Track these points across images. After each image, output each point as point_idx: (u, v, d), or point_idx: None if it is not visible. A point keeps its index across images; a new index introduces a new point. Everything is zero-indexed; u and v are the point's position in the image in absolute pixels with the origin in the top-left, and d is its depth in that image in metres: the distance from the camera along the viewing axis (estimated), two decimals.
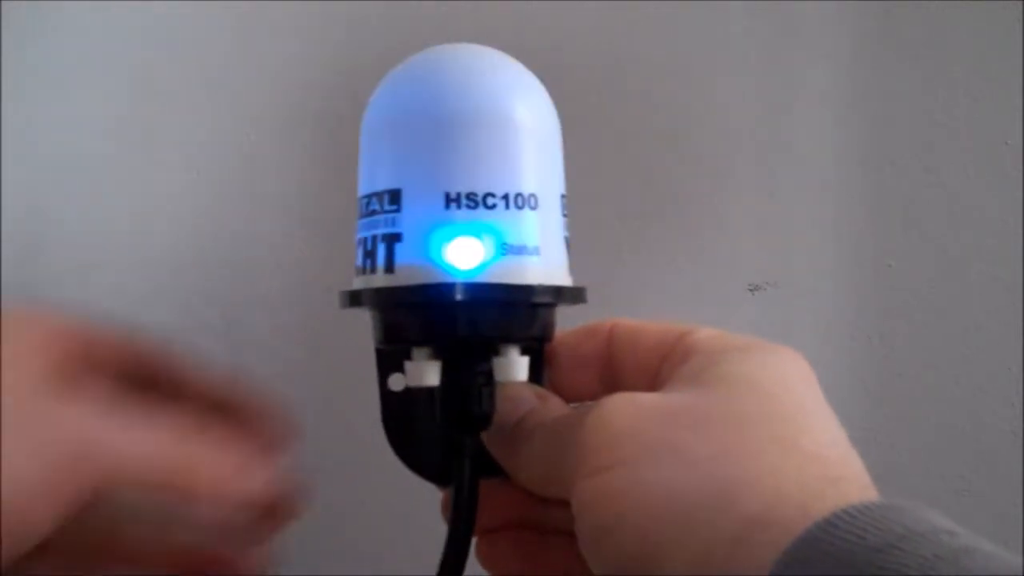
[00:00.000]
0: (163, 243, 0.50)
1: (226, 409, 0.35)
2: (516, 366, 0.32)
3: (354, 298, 0.33)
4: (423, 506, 0.37)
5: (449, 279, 0.30)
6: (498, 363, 0.32)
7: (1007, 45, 0.51)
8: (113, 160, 0.50)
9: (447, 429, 0.34)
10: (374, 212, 0.32)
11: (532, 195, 0.31)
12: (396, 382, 0.35)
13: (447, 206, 0.30)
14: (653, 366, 0.31)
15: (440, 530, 0.34)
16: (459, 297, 0.30)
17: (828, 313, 0.51)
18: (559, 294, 0.32)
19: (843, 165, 0.52)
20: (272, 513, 0.34)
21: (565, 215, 0.33)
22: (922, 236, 0.52)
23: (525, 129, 0.32)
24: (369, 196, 0.32)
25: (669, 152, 0.52)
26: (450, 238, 0.30)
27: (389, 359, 0.35)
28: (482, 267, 0.30)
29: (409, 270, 0.31)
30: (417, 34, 0.50)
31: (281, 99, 0.51)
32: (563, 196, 0.33)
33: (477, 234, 0.30)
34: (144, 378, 0.34)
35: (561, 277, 0.32)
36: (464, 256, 0.30)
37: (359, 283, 0.33)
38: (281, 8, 0.50)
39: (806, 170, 0.52)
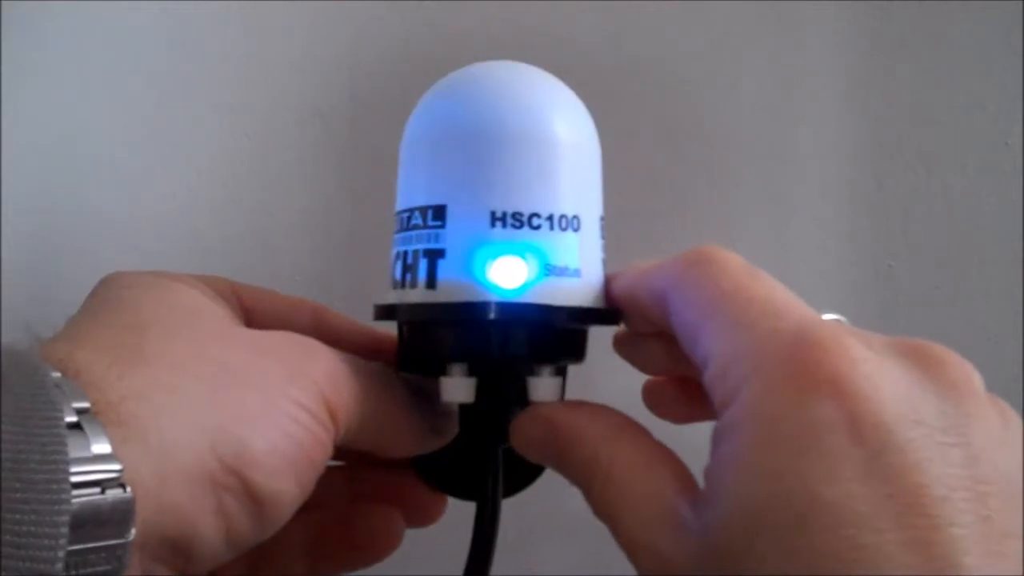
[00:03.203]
0: (165, 245, 0.49)
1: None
2: (551, 386, 0.32)
3: (391, 312, 0.32)
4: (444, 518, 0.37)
5: (492, 298, 0.30)
6: (533, 383, 0.32)
7: (1007, 45, 0.52)
8: (114, 160, 0.49)
9: (476, 445, 0.34)
10: (416, 226, 0.31)
11: (575, 217, 0.31)
12: None
13: (492, 224, 0.30)
14: None
15: (461, 542, 0.34)
16: (505, 317, 0.30)
17: (828, 313, 0.51)
18: (601, 317, 0.32)
19: (843, 165, 0.52)
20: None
21: (603, 237, 0.33)
22: (922, 236, 0.52)
23: (573, 151, 0.32)
24: (411, 210, 0.32)
25: (668, 153, 0.52)
26: (495, 257, 0.30)
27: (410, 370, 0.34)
28: (525, 287, 0.30)
29: (452, 287, 0.30)
30: (422, 36, 0.50)
31: (285, 101, 0.50)
32: (602, 218, 0.33)
33: (522, 254, 0.30)
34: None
35: (599, 299, 0.32)
36: (508, 276, 0.30)
37: (395, 297, 0.32)
38: (285, 8, 0.50)
39: (806, 170, 0.52)
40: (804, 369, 0.24)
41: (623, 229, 0.37)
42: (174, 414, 0.25)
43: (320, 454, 0.29)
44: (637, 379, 0.34)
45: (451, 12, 0.50)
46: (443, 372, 0.32)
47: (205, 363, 0.27)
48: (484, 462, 0.33)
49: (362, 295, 0.35)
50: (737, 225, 0.52)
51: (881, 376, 0.24)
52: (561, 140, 0.31)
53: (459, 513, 0.35)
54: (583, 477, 0.29)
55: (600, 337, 0.33)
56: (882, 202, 0.52)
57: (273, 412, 0.27)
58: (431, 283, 0.31)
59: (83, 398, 0.24)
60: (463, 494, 0.36)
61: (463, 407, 0.33)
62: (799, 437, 0.23)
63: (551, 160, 0.31)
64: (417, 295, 0.31)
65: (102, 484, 0.23)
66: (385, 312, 0.32)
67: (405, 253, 0.32)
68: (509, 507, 0.34)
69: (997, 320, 0.52)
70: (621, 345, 0.34)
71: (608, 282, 0.32)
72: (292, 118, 0.50)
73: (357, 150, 0.50)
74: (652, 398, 0.34)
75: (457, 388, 0.32)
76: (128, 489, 0.23)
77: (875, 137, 0.52)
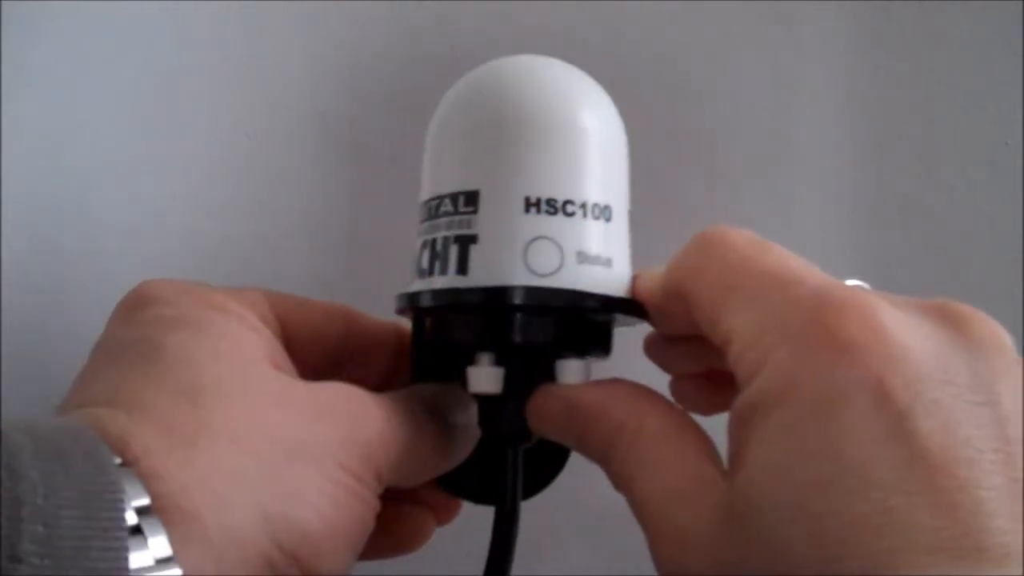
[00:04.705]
0: (165, 244, 0.49)
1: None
2: (579, 375, 0.32)
3: (417, 299, 0.32)
4: (460, 521, 0.37)
5: (527, 283, 0.30)
6: (561, 365, 0.32)
7: (1007, 45, 0.52)
8: (114, 160, 0.49)
9: (499, 439, 0.33)
10: (446, 213, 0.31)
11: (608, 206, 0.32)
12: None
13: (527, 210, 0.30)
14: None
15: (480, 544, 0.33)
16: (539, 302, 0.30)
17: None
18: (633, 307, 0.32)
19: (843, 165, 0.52)
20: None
21: (630, 231, 0.33)
22: (922, 236, 0.52)
23: (605, 142, 0.32)
24: (440, 198, 0.32)
25: (668, 153, 0.52)
26: (528, 242, 0.30)
27: (424, 374, 0.34)
28: (558, 274, 0.30)
29: (484, 272, 0.30)
30: (422, 36, 0.50)
31: (285, 101, 0.50)
32: (629, 211, 0.33)
33: (555, 240, 0.30)
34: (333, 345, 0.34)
35: (628, 290, 0.32)
36: (542, 262, 0.30)
37: (421, 285, 0.32)
38: (285, 8, 0.50)
39: (806, 170, 0.52)
40: (828, 333, 0.24)
41: None
42: (234, 502, 0.25)
43: (371, 517, 0.29)
44: (662, 378, 0.34)
45: (451, 12, 0.50)
46: (469, 362, 0.32)
47: (262, 436, 0.27)
48: (505, 459, 0.33)
49: (363, 295, 0.36)
50: (736, 225, 0.52)
51: (908, 336, 0.24)
52: (595, 130, 0.32)
53: (477, 512, 0.35)
54: (604, 448, 0.29)
55: (623, 339, 0.33)
56: (882, 202, 0.52)
57: (327, 484, 0.27)
58: (462, 269, 0.31)
59: (143, 494, 0.23)
60: (480, 499, 0.35)
61: (484, 403, 0.33)
62: (825, 401, 0.23)
63: (586, 148, 0.31)
64: (447, 281, 0.31)
65: None
66: (412, 300, 0.32)
67: (433, 241, 0.32)
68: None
69: (997, 320, 0.52)
70: (651, 349, 0.34)
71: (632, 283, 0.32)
72: (292, 118, 0.50)
73: (357, 150, 0.50)
74: (680, 392, 0.34)
75: (485, 378, 0.32)
76: None
77: (875, 137, 0.52)
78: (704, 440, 0.28)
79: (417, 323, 0.34)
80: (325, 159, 0.50)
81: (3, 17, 0.46)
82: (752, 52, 0.52)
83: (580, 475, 0.31)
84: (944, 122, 0.52)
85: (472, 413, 0.33)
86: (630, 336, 0.34)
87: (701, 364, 0.32)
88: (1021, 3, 0.51)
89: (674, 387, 0.34)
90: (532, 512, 0.35)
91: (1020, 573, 0.21)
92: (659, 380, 0.34)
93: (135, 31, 0.49)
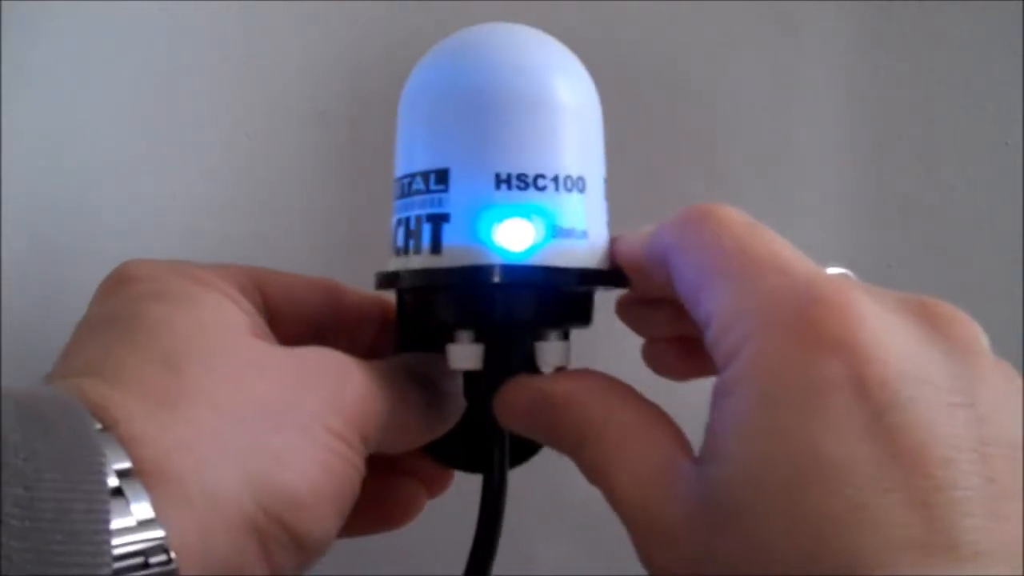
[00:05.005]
0: (165, 244, 0.49)
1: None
2: (559, 351, 0.32)
3: (393, 279, 0.32)
4: (448, 494, 0.37)
5: (500, 261, 0.30)
6: (540, 347, 0.32)
7: (1007, 45, 0.52)
8: (114, 160, 0.49)
9: (483, 415, 0.33)
10: (418, 191, 0.31)
11: (580, 177, 0.31)
12: None
13: (497, 187, 0.30)
14: None
15: (466, 520, 0.33)
16: (514, 279, 0.30)
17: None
18: (611, 278, 0.32)
19: (843, 165, 0.52)
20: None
21: (607, 199, 0.33)
22: (922, 236, 0.52)
23: (575, 111, 0.31)
24: (412, 175, 0.31)
25: (667, 152, 0.52)
26: (501, 219, 0.30)
27: (410, 345, 0.34)
28: (532, 250, 0.30)
29: (457, 251, 0.30)
30: (422, 36, 0.50)
31: (285, 101, 0.50)
32: (605, 180, 0.32)
33: (528, 216, 0.30)
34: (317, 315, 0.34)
35: (606, 260, 0.32)
36: (515, 238, 0.30)
37: (398, 264, 0.32)
38: (285, 8, 0.50)
39: (806, 170, 0.52)
40: (810, 326, 0.24)
41: (620, 229, 0.37)
42: (216, 465, 0.25)
43: (357, 480, 0.29)
44: (637, 342, 0.34)
45: (451, 12, 0.50)
46: (449, 340, 0.32)
47: (245, 402, 0.27)
48: (491, 431, 0.33)
49: None
50: None
51: (888, 334, 0.24)
52: (565, 100, 0.31)
53: (465, 486, 0.35)
54: (576, 439, 0.28)
55: (602, 301, 0.33)
56: (882, 202, 0.52)
57: (313, 448, 0.27)
58: (436, 248, 0.30)
59: (124, 458, 0.23)
60: (468, 466, 0.35)
61: (469, 376, 0.33)
62: (803, 395, 0.23)
63: (555, 120, 0.31)
64: (421, 261, 0.31)
65: (145, 553, 0.22)
66: (389, 280, 0.32)
67: (407, 219, 0.31)
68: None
69: (997, 320, 0.51)
70: (624, 311, 0.33)
71: (611, 247, 0.32)
72: (292, 118, 0.50)
73: (357, 150, 0.50)
74: (652, 355, 0.34)
75: (465, 355, 0.31)
76: (172, 555, 0.23)
77: (875, 137, 0.52)
78: (675, 430, 0.28)
79: (401, 296, 0.34)
80: (325, 159, 0.50)
81: (3, 17, 0.47)
82: (752, 52, 0.52)
83: (571, 464, 0.31)
84: (944, 122, 0.52)
85: (458, 382, 0.33)
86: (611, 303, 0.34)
87: (676, 328, 0.32)
88: (1021, 3, 0.51)
89: (647, 350, 0.34)
90: (520, 500, 0.35)
91: (991, 572, 0.21)
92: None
93: (135, 31, 0.49)
